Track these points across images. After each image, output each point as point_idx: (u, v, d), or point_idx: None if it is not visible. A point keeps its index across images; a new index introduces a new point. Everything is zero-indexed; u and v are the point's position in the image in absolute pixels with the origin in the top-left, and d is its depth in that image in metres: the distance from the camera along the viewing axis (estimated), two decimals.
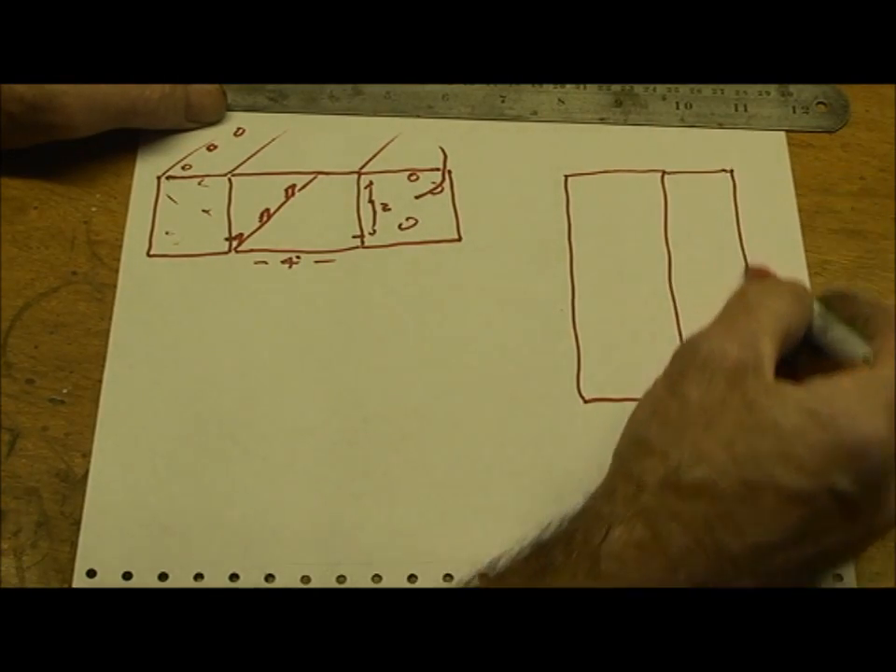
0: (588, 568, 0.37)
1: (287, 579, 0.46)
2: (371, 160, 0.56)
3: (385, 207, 0.55)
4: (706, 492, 0.38)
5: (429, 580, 0.46)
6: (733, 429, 0.38)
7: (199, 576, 0.46)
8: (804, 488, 0.37)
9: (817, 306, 0.43)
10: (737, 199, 0.55)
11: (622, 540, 0.38)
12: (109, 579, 0.46)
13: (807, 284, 0.52)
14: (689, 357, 0.40)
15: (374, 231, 0.54)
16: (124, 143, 0.56)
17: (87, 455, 0.48)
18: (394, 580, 0.46)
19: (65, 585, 0.46)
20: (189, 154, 0.56)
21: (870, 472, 0.37)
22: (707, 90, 0.58)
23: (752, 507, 0.37)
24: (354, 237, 0.54)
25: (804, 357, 0.43)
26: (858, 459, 0.37)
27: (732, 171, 0.56)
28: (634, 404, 0.49)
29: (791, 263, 0.53)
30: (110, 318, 0.52)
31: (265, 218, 0.55)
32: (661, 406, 0.40)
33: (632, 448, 0.41)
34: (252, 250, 0.54)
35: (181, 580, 0.46)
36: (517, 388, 0.50)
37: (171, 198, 0.55)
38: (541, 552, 0.39)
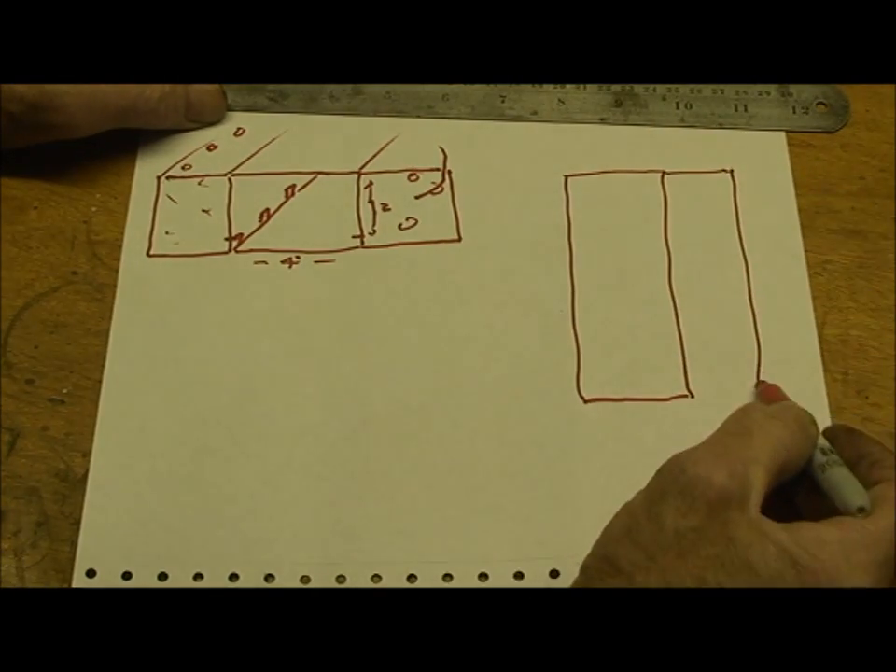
0: None
1: (287, 579, 0.46)
2: (371, 160, 0.56)
3: (385, 207, 0.55)
4: None
5: (429, 580, 0.46)
6: (706, 562, 0.37)
7: (198, 576, 0.46)
8: None
9: (820, 440, 0.42)
10: (737, 199, 0.55)
11: None
12: (109, 578, 0.46)
13: (807, 284, 0.52)
14: (673, 477, 0.39)
15: (374, 231, 0.54)
16: (124, 143, 0.56)
17: (87, 455, 0.48)
18: (394, 580, 0.46)
19: (65, 585, 0.46)
20: (189, 154, 0.56)
21: None
22: (706, 90, 0.58)
23: None
24: (354, 237, 0.54)
25: (803, 490, 0.42)
26: None
27: (732, 171, 0.56)
28: (633, 404, 0.49)
29: (791, 263, 0.53)
30: (110, 318, 0.52)
31: (265, 218, 0.55)
32: (635, 525, 0.39)
33: (599, 564, 0.39)
34: (252, 250, 0.54)
35: (181, 580, 0.46)
36: (517, 388, 0.50)
37: (171, 198, 0.55)
38: None
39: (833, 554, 0.37)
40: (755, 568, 0.36)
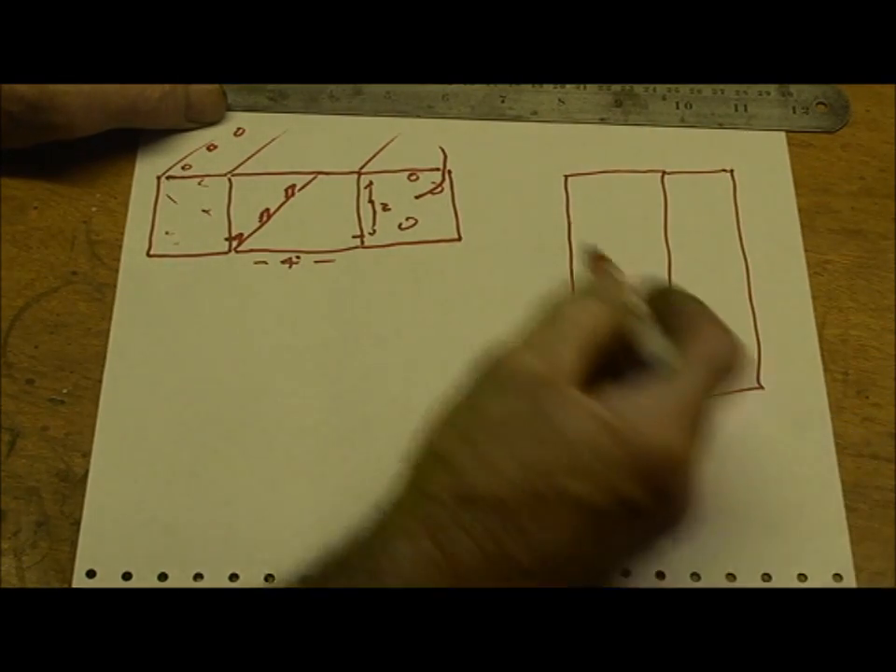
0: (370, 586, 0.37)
1: (287, 579, 0.46)
2: (371, 160, 0.56)
3: (385, 207, 0.55)
4: (495, 505, 0.37)
5: None
6: (525, 441, 0.38)
7: (198, 576, 0.46)
8: (594, 499, 0.37)
9: (638, 306, 0.43)
10: (737, 199, 0.55)
11: (407, 556, 0.37)
12: (109, 579, 0.46)
13: (807, 284, 0.52)
14: (486, 369, 0.40)
15: (374, 231, 0.54)
16: (124, 143, 0.56)
17: (87, 455, 0.48)
18: None
19: (65, 585, 0.46)
20: (189, 154, 0.56)
21: (659, 483, 0.37)
22: (707, 90, 0.58)
23: (542, 519, 0.37)
24: (354, 237, 0.54)
25: (627, 360, 0.42)
26: (648, 473, 0.37)
27: (732, 171, 0.56)
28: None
29: (791, 263, 0.53)
30: (110, 318, 0.52)
31: (265, 218, 0.55)
32: (456, 418, 0.40)
33: (425, 459, 0.40)
34: (252, 250, 0.54)
35: (181, 580, 0.46)
36: None
37: (171, 198, 0.55)
38: (331, 565, 0.38)
39: (646, 417, 0.38)
40: (570, 438, 0.37)
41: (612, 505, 0.37)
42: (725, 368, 0.40)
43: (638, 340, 0.42)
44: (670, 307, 0.42)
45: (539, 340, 0.40)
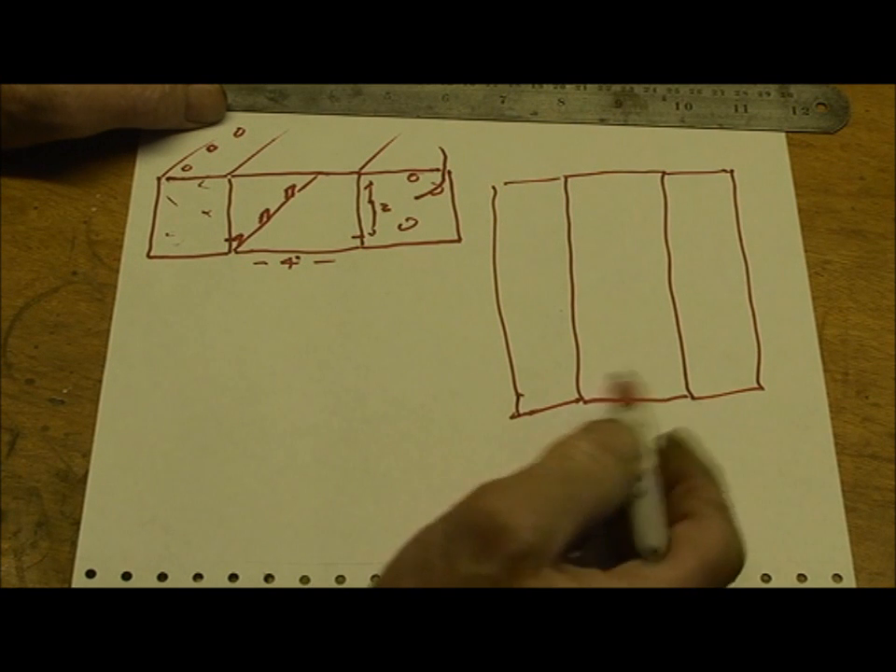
0: None
1: (287, 579, 0.46)
2: (371, 160, 0.56)
3: (385, 208, 0.55)
4: None
5: None
6: None
7: (198, 576, 0.46)
8: None
9: (650, 459, 0.40)
10: (737, 199, 0.55)
11: None
12: (109, 579, 0.46)
13: (807, 284, 0.52)
14: (478, 518, 0.37)
15: (374, 232, 0.54)
16: (124, 143, 0.56)
17: (87, 455, 0.48)
18: None
19: (65, 585, 0.46)
20: (189, 154, 0.56)
21: None
22: (707, 90, 0.58)
23: None
24: (353, 237, 0.54)
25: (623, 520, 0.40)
26: None
27: (732, 171, 0.56)
28: (633, 406, 0.49)
29: (790, 263, 0.53)
30: (110, 318, 0.52)
31: (265, 219, 0.55)
32: (428, 563, 0.38)
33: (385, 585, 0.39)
34: (252, 251, 0.54)
35: (180, 580, 0.46)
36: (517, 389, 0.50)
37: (171, 199, 0.55)
38: None
39: None
40: None
41: None
42: (717, 567, 0.38)
43: (631, 505, 0.40)
44: (675, 464, 0.41)
45: (543, 506, 0.37)
